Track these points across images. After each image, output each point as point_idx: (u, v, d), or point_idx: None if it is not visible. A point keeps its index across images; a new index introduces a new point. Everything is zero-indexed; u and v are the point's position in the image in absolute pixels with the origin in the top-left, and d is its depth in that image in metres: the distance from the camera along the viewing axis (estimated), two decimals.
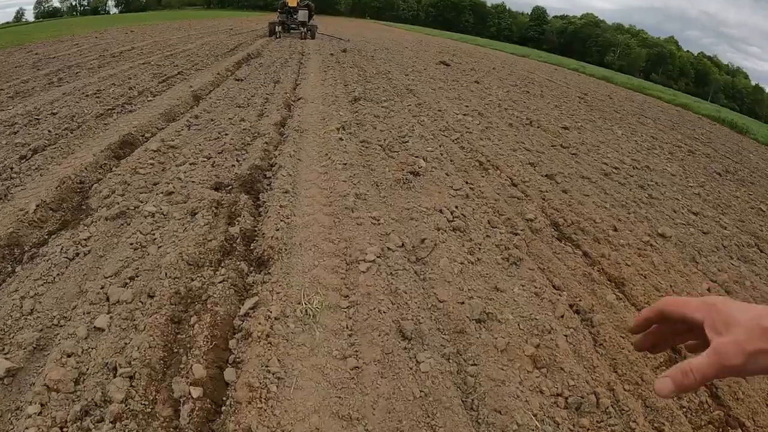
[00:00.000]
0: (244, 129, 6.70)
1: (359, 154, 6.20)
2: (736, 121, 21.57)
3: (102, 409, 2.27)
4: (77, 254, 3.50)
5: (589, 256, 4.65)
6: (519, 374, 2.90)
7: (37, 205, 3.96)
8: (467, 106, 10.19)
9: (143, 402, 2.35)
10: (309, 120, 7.63)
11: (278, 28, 21.97)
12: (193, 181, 4.77)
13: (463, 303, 3.39)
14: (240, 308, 3.09)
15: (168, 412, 2.34)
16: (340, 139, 6.63)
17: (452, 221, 4.54)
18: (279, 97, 9.12)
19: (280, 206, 4.41)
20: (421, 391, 2.61)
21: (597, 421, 2.66)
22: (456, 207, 4.84)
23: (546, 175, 6.53)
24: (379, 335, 2.93)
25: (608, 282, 4.24)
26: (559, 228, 5.08)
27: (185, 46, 16.33)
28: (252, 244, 3.89)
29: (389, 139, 6.86)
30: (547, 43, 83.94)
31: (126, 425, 2.21)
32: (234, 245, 3.79)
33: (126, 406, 2.29)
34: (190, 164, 5.25)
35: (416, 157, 6.07)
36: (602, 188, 6.56)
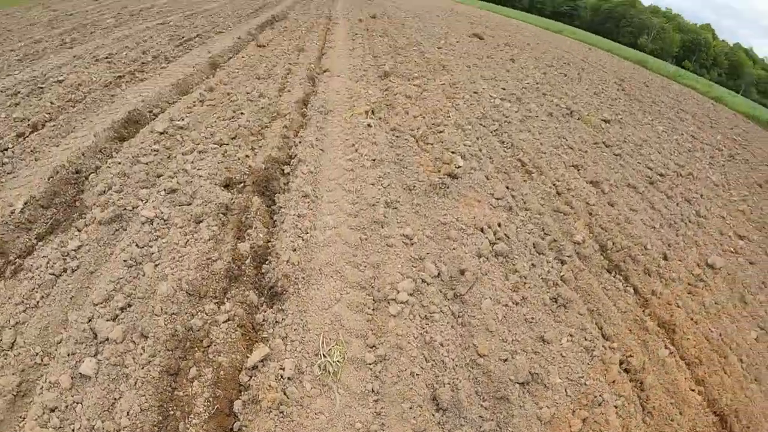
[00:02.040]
0: (262, 107, 6.11)
1: (390, 145, 5.60)
2: None
3: None
4: (65, 270, 3.03)
5: (639, 292, 4.19)
6: None
7: (26, 203, 3.48)
8: (504, 89, 9.48)
9: None
10: (335, 98, 7.02)
11: None
12: (200, 175, 4.24)
13: (506, 360, 2.89)
14: (248, 358, 2.60)
15: None
16: (369, 125, 6.04)
17: (495, 243, 4.00)
18: (303, 68, 8.44)
19: (298, 215, 3.88)
20: None
21: None
22: (499, 225, 4.30)
23: (591, 182, 5.93)
24: (411, 408, 2.45)
25: (659, 329, 3.81)
26: (608, 253, 4.56)
27: (208, 5, 15.58)
28: (264, 266, 3.37)
29: (423, 127, 6.25)
30: (580, 20, 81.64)
31: None
32: (243, 267, 3.28)
33: None
34: (199, 152, 4.71)
35: (453, 153, 5.47)
36: (650, 201, 6.00)
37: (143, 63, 7.46)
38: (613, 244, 4.63)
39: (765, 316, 4.50)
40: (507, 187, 5.19)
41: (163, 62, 7.75)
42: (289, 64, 8.61)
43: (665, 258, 4.77)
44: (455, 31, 17.98)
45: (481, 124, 6.94)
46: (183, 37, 9.63)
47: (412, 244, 3.78)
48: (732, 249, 5.64)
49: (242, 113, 5.83)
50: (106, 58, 7.37)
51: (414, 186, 4.75)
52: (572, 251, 4.29)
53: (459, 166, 5.11)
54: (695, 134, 11.55)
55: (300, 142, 5.32)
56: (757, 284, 5.04)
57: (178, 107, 5.88)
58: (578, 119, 8.76)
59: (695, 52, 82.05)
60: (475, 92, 8.57)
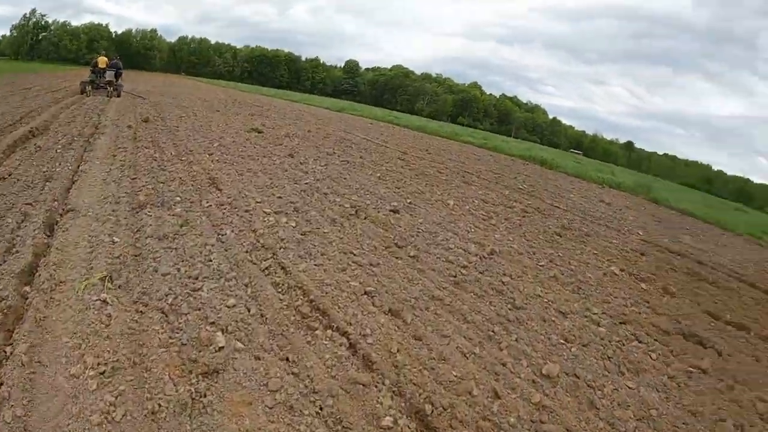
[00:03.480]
0: None
1: (128, 334, 4.16)
2: (546, 158, 23.72)
3: None
4: None
5: None
6: None
7: None
8: (280, 197, 8.65)
9: None
10: (70, 258, 5.44)
11: (88, 87, 23.80)
12: None
13: None
14: None
15: None
16: (104, 301, 4.60)
17: None
18: (43, 209, 6.65)
19: None
20: None
21: None
22: None
23: (389, 312, 5.16)
24: None
25: None
26: (429, 420, 3.71)
27: None
28: None
29: (176, 288, 4.98)
30: (360, 95, 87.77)
31: None
32: None
33: None
34: None
35: (211, 325, 4.31)
36: (461, 314, 5.46)
37: None
38: (432, 405, 3.80)
39: (619, 414, 4.22)
40: (287, 360, 4.11)
41: None
42: (28, 203, 6.76)
43: (496, 395, 4.10)
44: (233, 128, 17.19)
45: (250, 261, 5.86)
46: None
47: None
48: (561, 337, 5.41)
49: None
50: None
51: (157, 410, 3.41)
52: None
53: (220, 348, 3.95)
54: (485, 197, 11.94)
55: (10, 355, 3.73)
56: (598, 372, 4.87)
57: None
58: (365, 218, 8.19)
59: (467, 108, 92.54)
60: (246, 210, 7.57)
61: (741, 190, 68.59)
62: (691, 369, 5.32)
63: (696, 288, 8.26)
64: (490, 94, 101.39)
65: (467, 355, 4.63)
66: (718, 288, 8.52)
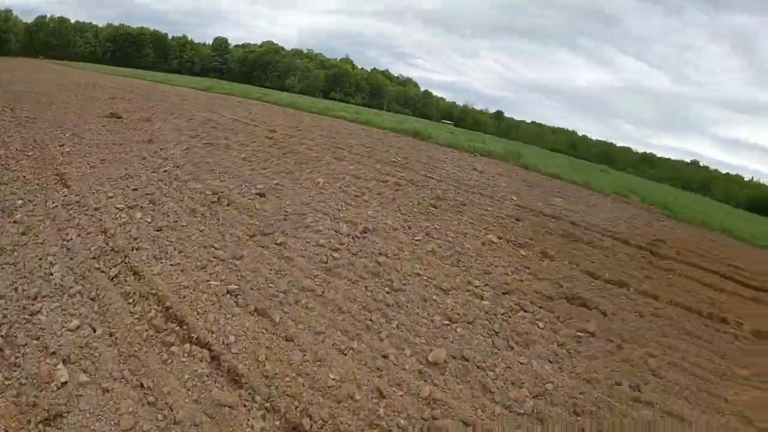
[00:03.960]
0: None
1: None
2: (419, 130, 23.75)
3: None
4: None
5: None
6: None
7: None
8: (135, 189, 8.04)
9: None
10: None
11: None
12: None
13: None
14: None
15: None
16: None
17: None
18: None
19: None
20: None
21: None
22: None
23: (256, 311, 4.87)
24: None
25: None
26: None
27: None
28: None
29: (12, 313, 4.41)
30: (230, 73, 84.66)
31: None
32: None
33: None
34: None
35: (52, 356, 3.85)
36: (335, 304, 5.34)
37: None
38: (311, 419, 3.59)
39: (518, 397, 4.22)
40: (142, 392, 3.70)
41: None
42: None
43: (381, 395, 3.99)
44: (89, 114, 15.74)
45: (97, 269, 5.34)
46: None
47: None
48: (445, 318, 5.37)
49: None
50: None
51: None
52: None
53: (63, 383, 3.46)
54: (357, 173, 11.70)
55: None
56: (485, 351, 4.86)
57: None
58: (228, 205, 7.73)
59: (339, 83, 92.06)
60: (96, 208, 6.99)
61: (605, 154, 74.16)
62: (579, 333, 5.48)
63: (573, 249, 8.55)
64: (362, 68, 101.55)
65: (345, 352, 4.46)
66: (593, 247, 8.89)
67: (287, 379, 3.94)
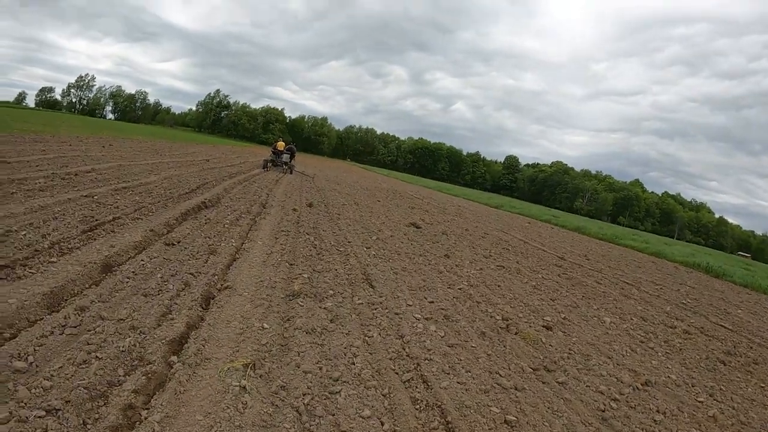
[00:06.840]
0: (123, 349, 4.68)
1: (260, 426, 4.06)
2: (711, 265, 21.49)
3: None
4: None
5: None
6: None
7: None
8: (432, 302, 8.45)
9: None
10: (220, 336, 5.64)
11: (269, 164, 32.65)
12: None
13: None
14: None
15: None
16: (243, 388, 4.67)
17: None
18: (204, 281, 7.16)
19: None
20: None
21: None
22: None
23: None
24: None
25: None
26: None
27: (146, 178, 14.91)
28: None
29: (314, 387, 4.91)
30: (519, 191, 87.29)
31: None
32: None
33: None
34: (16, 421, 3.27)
35: None
36: None
37: (35, 251, 6.32)
38: None
39: None
40: None
41: (55, 254, 6.57)
42: (191, 273, 7.34)
43: None
44: (392, 221, 17.66)
45: (393, 370, 5.64)
46: (96, 220, 8.54)
47: None
48: None
49: (98, 356, 4.39)
50: None
51: None
52: None
53: None
54: (644, 314, 10.85)
55: (140, 423, 3.89)
56: None
57: (32, 335, 4.46)
58: (516, 334, 7.70)
59: (628, 207, 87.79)
60: (396, 313, 7.45)
61: None
62: None
63: None
64: (652, 192, 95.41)
65: None
66: None
67: None
